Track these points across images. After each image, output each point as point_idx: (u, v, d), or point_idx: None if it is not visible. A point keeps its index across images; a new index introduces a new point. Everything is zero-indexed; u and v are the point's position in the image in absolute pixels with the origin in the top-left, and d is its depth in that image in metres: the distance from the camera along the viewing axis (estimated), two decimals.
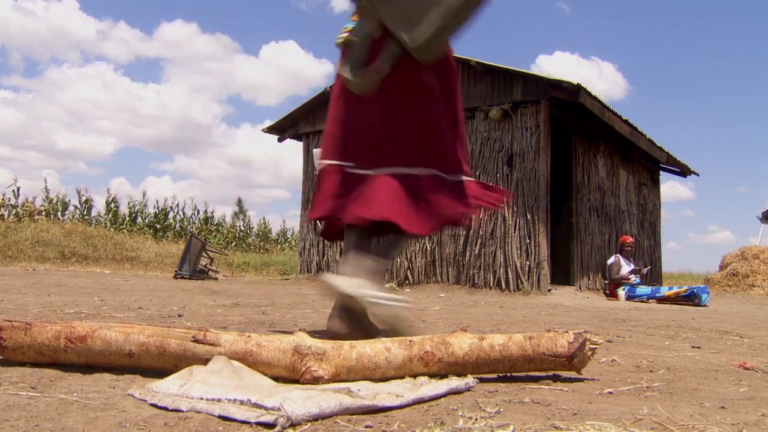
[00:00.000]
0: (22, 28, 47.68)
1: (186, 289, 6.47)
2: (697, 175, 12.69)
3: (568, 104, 8.44)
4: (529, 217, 8.32)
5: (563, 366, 1.84)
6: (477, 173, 9.04)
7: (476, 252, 8.90)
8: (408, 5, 2.04)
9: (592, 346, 1.85)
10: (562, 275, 9.19)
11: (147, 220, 21.72)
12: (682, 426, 1.35)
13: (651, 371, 2.10)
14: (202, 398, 1.39)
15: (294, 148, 11.85)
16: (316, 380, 1.59)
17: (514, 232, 8.50)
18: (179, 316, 3.35)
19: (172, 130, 54.93)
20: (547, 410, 1.46)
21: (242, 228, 24.43)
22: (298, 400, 1.32)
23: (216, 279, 10.35)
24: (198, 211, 23.34)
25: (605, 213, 10.17)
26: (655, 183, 12.41)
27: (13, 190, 18.35)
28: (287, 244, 24.08)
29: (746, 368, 2.23)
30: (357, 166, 2.17)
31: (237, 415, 1.30)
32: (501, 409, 1.45)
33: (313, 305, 4.58)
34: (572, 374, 1.92)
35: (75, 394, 1.47)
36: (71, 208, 20.13)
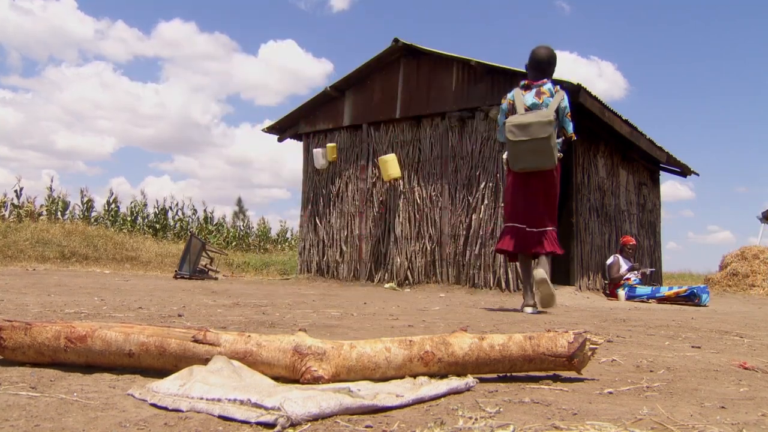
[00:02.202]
0: (20, 28, 47.57)
1: (186, 289, 6.47)
2: (697, 175, 12.69)
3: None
4: None
5: (563, 366, 1.84)
6: (477, 173, 9.04)
7: (476, 252, 8.90)
8: (517, 155, 4.16)
9: (592, 346, 1.85)
10: (562, 275, 9.19)
11: (147, 220, 21.72)
12: (682, 426, 1.35)
13: (651, 371, 2.10)
14: (202, 398, 1.39)
15: (294, 148, 11.89)
16: (316, 380, 1.59)
17: None
18: (179, 316, 3.35)
19: (171, 130, 54.86)
20: (547, 410, 1.46)
21: (242, 228, 24.43)
22: (298, 400, 1.32)
23: (216, 279, 10.35)
24: (197, 211, 23.35)
25: (605, 213, 10.17)
26: (655, 183, 12.42)
27: (16, 191, 18.36)
28: (287, 244, 24.08)
29: (746, 368, 2.24)
30: (525, 226, 4.41)
31: (237, 415, 1.30)
32: (501, 409, 1.45)
33: (313, 305, 4.58)
34: (572, 374, 1.92)
35: (75, 394, 1.47)
36: (71, 207, 20.13)
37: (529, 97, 4.24)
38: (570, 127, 4.25)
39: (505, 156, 4.42)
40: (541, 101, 4.15)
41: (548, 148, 3.99)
